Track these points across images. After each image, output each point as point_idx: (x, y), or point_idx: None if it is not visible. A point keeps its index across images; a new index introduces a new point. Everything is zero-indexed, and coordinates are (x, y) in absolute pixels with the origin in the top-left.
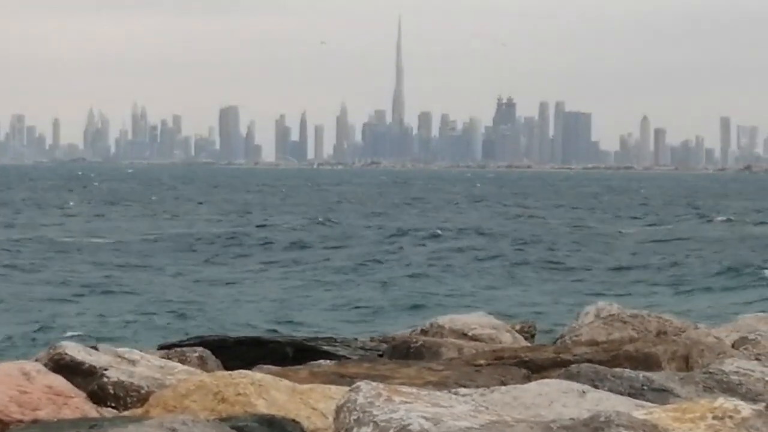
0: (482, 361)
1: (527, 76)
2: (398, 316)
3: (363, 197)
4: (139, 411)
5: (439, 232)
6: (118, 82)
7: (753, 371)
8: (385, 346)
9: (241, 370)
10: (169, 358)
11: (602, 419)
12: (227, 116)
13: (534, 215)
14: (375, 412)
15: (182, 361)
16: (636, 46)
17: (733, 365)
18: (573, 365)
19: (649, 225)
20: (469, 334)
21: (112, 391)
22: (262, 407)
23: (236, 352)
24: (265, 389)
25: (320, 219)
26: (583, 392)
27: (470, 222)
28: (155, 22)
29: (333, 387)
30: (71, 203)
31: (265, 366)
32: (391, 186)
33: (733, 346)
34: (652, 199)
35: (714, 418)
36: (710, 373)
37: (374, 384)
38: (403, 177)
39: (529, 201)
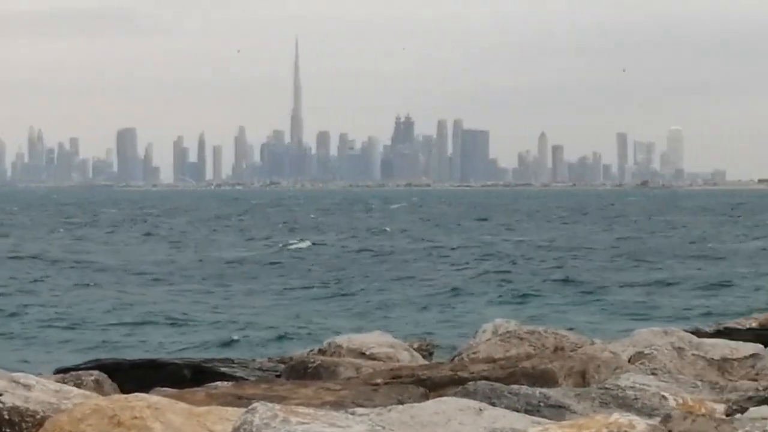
0: (379, 380)
1: (425, 94)
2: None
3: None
4: None
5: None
6: (13, 106)
7: (649, 386)
8: (282, 366)
9: (137, 393)
10: (65, 382)
11: None
12: (125, 138)
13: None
14: None
15: (78, 385)
16: (533, 63)
17: (629, 380)
18: (470, 383)
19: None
20: (367, 353)
21: (7, 417)
22: (159, 430)
23: (133, 375)
24: (161, 412)
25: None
26: (480, 410)
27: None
28: (51, 45)
29: (230, 409)
30: None
31: (162, 389)
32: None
33: (629, 360)
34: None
35: None
36: (606, 388)
37: (271, 405)
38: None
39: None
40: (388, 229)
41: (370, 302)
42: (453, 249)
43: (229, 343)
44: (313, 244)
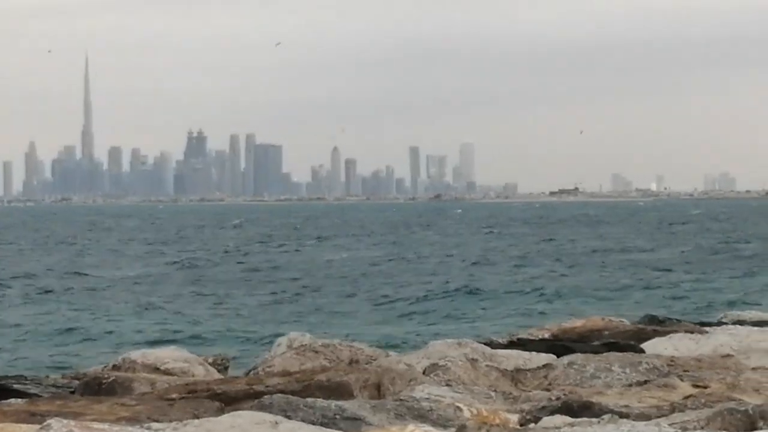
0: (175, 395)
1: (218, 109)
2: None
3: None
4: None
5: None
6: None
7: (444, 397)
8: (77, 382)
9: None
10: None
11: None
12: None
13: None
14: None
15: None
16: (325, 78)
17: (424, 392)
18: (265, 396)
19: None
20: (162, 368)
21: None
22: None
23: None
24: None
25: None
26: (276, 423)
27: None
28: None
29: (24, 426)
30: None
31: None
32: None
33: (424, 372)
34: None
35: None
36: (401, 400)
37: (65, 421)
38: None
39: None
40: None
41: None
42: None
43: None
44: None
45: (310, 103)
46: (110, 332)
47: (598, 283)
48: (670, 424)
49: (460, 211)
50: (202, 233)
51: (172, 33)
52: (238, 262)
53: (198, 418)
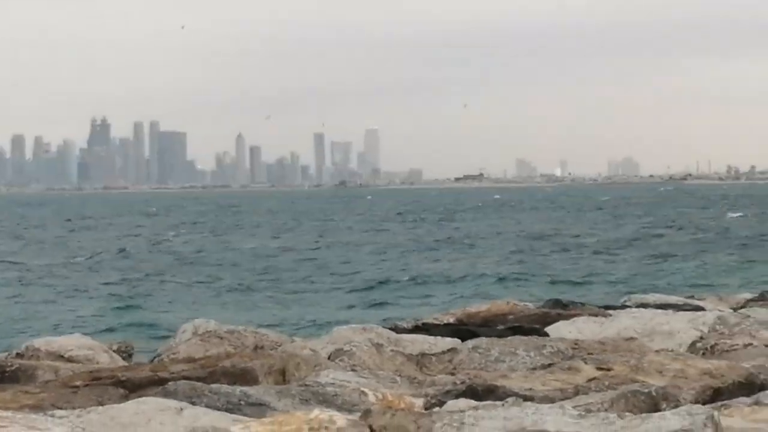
0: (79, 383)
1: (122, 96)
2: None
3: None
4: None
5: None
6: None
7: (349, 382)
8: None
9: None
10: None
11: None
12: None
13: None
14: None
15: None
16: (228, 66)
17: (329, 377)
18: (170, 383)
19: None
20: (66, 355)
21: None
22: None
23: None
24: None
25: None
26: (181, 409)
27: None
28: None
29: None
30: None
31: None
32: None
33: (329, 357)
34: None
35: (310, 429)
36: (306, 385)
37: None
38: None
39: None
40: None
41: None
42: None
43: None
44: None
45: (214, 91)
46: (17, 320)
47: (531, 269)
48: (574, 407)
49: (370, 197)
50: (114, 221)
51: (78, 19)
52: (150, 252)
53: (102, 405)
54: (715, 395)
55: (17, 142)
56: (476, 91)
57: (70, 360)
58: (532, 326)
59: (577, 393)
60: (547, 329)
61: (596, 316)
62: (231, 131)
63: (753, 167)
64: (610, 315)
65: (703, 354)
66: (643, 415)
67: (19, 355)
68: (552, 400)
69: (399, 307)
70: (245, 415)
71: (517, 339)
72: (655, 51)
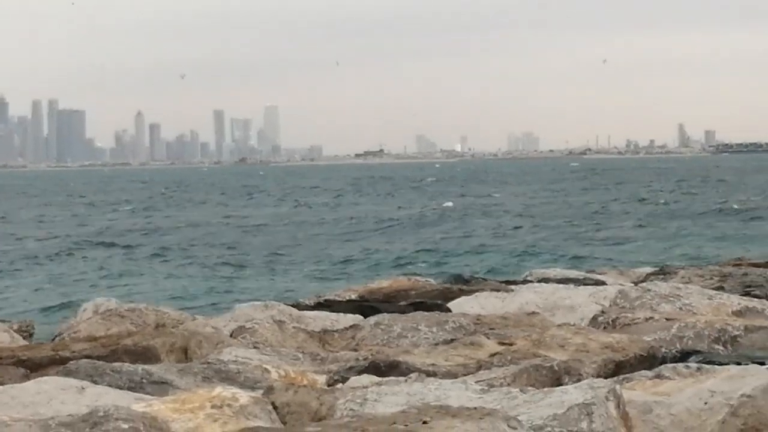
0: None
1: (20, 74)
2: None
3: None
4: None
5: None
6: None
7: (251, 359)
8: None
9: None
10: None
11: (101, 414)
12: None
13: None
14: None
15: None
16: (128, 42)
17: (231, 354)
18: (71, 362)
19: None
20: None
21: None
22: None
23: None
24: None
25: None
26: (82, 388)
27: None
28: None
29: None
30: None
31: None
32: None
33: (231, 335)
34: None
35: (213, 407)
36: (209, 363)
37: None
38: None
39: None
40: None
41: None
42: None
43: None
44: None
45: (113, 68)
46: None
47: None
48: (477, 382)
49: (262, 173)
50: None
51: None
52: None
53: (2, 384)
54: (617, 369)
55: None
56: (377, 66)
57: None
58: (434, 302)
59: (479, 368)
60: (450, 305)
61: (498, 291)
62: (130, 109)
63: (652, 141)
64: (512, 290)
65: (605, 328)
66: (546, 389)
67: None
68: (455, 376)
69: (305, 284)
70: (147, 393)
71: (420, 315)
72: (555, 25)
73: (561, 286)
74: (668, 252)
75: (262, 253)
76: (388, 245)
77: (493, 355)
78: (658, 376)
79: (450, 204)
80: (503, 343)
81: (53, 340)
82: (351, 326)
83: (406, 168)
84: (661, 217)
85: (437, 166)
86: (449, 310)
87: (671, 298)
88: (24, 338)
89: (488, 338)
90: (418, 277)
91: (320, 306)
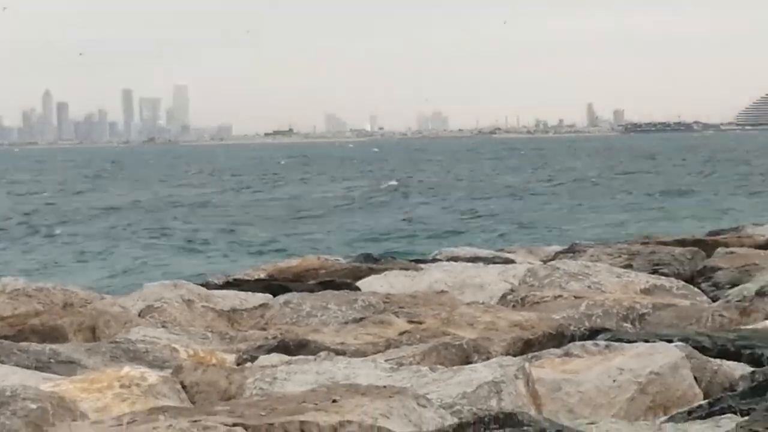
0: None
1: None
2: None
3: None
4: None
5: None
6: None
7: (159, 339)
8: None
9: None
10: None
11: (8, 394)
12: None
13: None
14: None
15: None
16: (35, 20)
17: (139, 334)
18: None
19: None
20: None
21: None
22: None
23: None
24: None
25: None
26: None
27: None
28: None
29: None
30: None
31: None
32: None
33: (139, 315)
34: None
35: (121, 386)
36: (117, 342)
37: None
38: None
39: None
40: None
41: None
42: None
43: None
44: None
45: (21, 47)
46: None
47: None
48: (386, 360)
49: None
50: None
51: None
52: None
53: None
54: (526, 347)
55: None
56: (287, 45)
57: None
58: (343, 281)
59: (388, 346)
60: (359, 283)
61: (407, 270)
62: (38, 88)
63: (561, 120)
64: (422, 269)
65: (514, 306)
66: (455, 367)
67: None
68: (364, 354)
69: (213, 263)
70: (55, 373)
71: (329, 293)
72: (463, 4)
73: (470, 264)
74: (579, 233)
75: (184, 234)
76: (332, 227)
77: (402, 333)
78: (567, 354)
79: (394, 183)
80: (412, 322)
81: None
82: (260, 305)
83: (316, 147)
84: (576, 197)
85: (351, 146)
86: (358, 289)
87: (580, 277)
88: None
89: (397, 317)
90: (327, 256)
91: (229, 285)
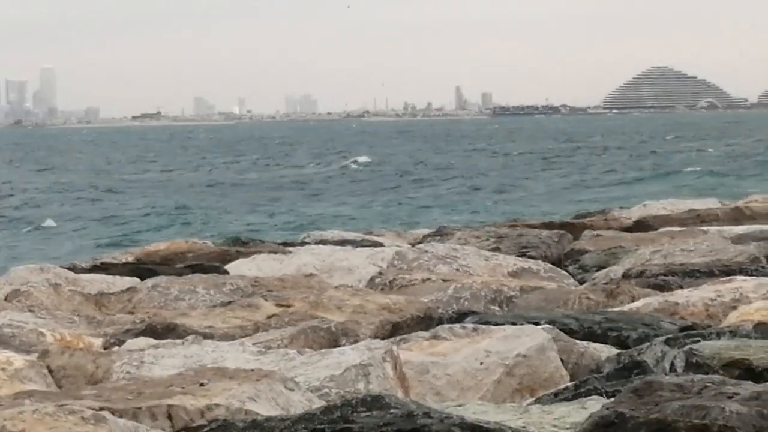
0: None
1: None
2: None
3: None
4: None
5: None
6: None
7: (26, 323)
8: None
9: None
10: None
11: None
12: None
13: None
14: None
15: None
16: None
17: (5, 318)
18: None
19: None
20: None
21: None
22: None
23: None
24: None
25: None
26: None
27: None
28: None
29: None
30: None
31: None
32: None
33: (6, 299)
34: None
35: None
36: None
37: None
38: None
39: None
40: None
41: None
42: None
43: None
44: None
45: None
46: None
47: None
48: (254, 344)
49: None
50: None
51: None
52: None
53: None
54: (394, 330)
55: None
56: (155, 28)
57: None
58: (212, 264)
59: (257, 330)
60: (227, 267)
61: (276, 253)
62: None
63: (429, 104)
64: (290, 252)
65: (382, 289)
66: (323, 350)
67: None
68: (232, 338)
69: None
70: None
71: (197, 277)
72: None
73: (338, 248)
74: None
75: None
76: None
77: (270, 317)
78: (435, 337)
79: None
80: (281, 305)
81: None
82: (128, 289)
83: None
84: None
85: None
86: (227, 273)
87: (448, 260)
88: None
89: (266, 300)
90: (195, 240)
91: (97, 269)
